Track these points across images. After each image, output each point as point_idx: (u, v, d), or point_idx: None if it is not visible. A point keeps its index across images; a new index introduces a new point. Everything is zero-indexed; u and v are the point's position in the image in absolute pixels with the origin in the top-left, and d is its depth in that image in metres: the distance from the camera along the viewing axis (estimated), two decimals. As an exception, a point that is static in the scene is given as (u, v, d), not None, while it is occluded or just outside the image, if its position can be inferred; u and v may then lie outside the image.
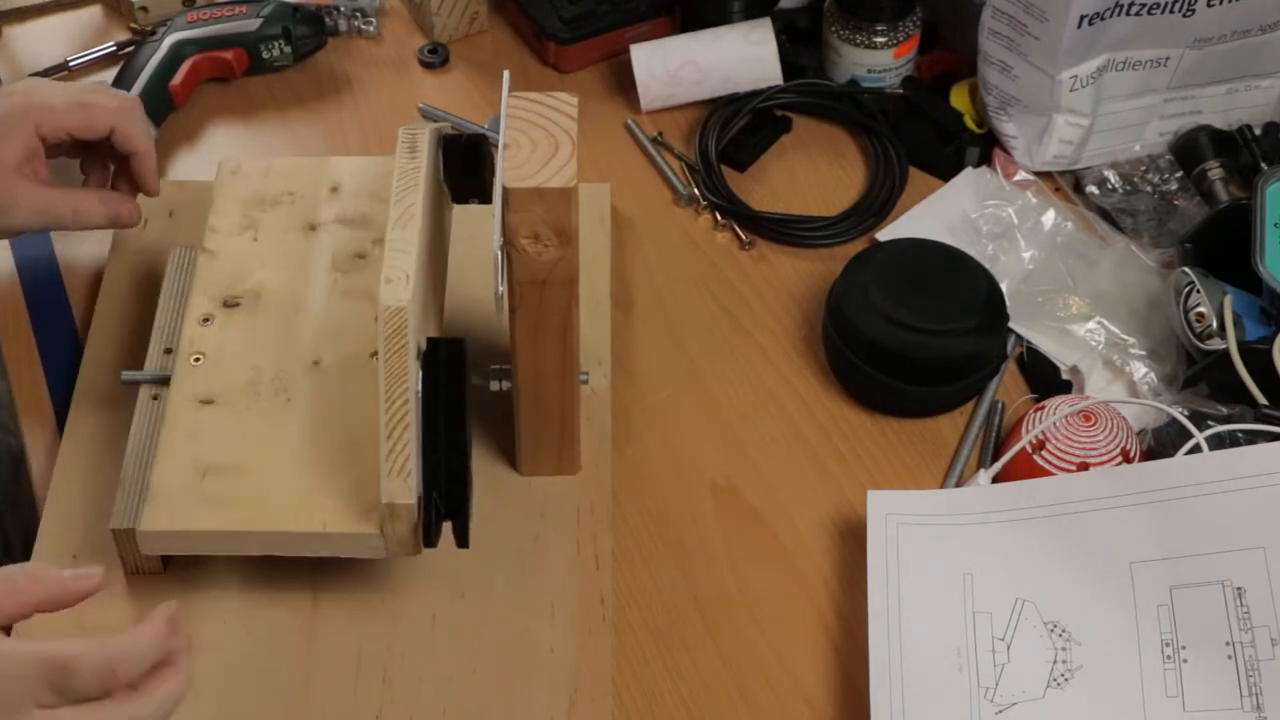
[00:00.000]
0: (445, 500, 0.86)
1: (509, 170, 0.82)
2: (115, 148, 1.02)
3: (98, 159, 1.05)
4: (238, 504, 0.86)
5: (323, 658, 0.89)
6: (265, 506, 0.86)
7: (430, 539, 0.87)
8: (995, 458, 1.00)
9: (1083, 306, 1.08)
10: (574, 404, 0.94)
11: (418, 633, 0.90)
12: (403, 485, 0.83)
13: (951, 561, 0.91)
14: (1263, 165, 1.16)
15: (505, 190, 0.82)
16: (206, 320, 0.92)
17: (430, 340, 0.86)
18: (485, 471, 0.97)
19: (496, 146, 0.87)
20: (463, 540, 0.88)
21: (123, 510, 0.90)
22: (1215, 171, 1.17)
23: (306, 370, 0.92)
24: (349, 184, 1.01)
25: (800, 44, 1.28)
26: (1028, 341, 1.08)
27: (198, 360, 0.90)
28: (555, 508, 0.96)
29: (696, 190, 1.18)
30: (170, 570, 0.92)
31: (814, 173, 1.21)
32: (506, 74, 0.88)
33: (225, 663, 0.89)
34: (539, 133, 0.84)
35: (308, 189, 1.01)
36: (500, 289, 0.84)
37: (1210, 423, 0.94)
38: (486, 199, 0.95)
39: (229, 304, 0.92)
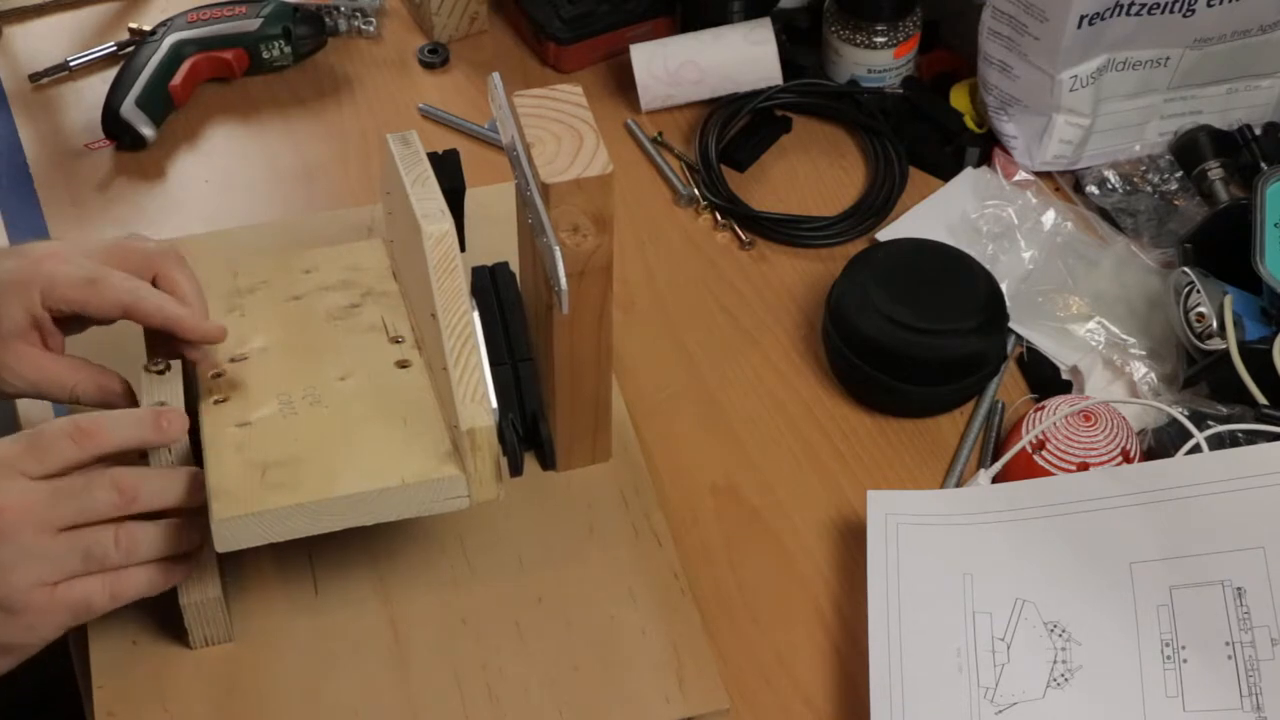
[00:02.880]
0: (522, 420, 0.87)
1: (543, 167, 0.82)
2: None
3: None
4: (308, 483, 0.84)
5: (422, 687, 0.88)
6: (338, 478, 0.84)
7: (515, 466, 0.87)
8: (995, 458, 1.00)
9: (1083, 306, 1.08)
10: (608, 391, 0.94)
11: (508, 644, 0.90)
12: (480, 408, 0.83)
13: (951, 561, 0.91)
14: (1263, 165, 1.16)
15: (545, 187, 0.82)
16: (217, 375, 0.90)
17: (475, 269, 0.88)
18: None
19: (503, 148, 0.88)
20: (550, 461, 0.89)
21: None
22: (1215, 171, 1.17)
23: (334, 383, 0.90)
24: (323, 265, 0.99)
25: (800, 44, 1.28)
26: (1028, 341, 1.08)
27: (220, 402, 0.88)
28: (600, 496, 0.96)
29: (696, 190, 1.18)
30: (238, 641, 0.89)
31: (814, 173, 1.21)
32: (496, 76, 0.88)
33: (318, 713, 0.87)
34: (558, 126, 0.84)
35: (280, 275, 0.98)
36: (563, 284, 0.84)
37: (1210, 423, 0.94)
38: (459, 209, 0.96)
39: (235, 360, 0.91)
